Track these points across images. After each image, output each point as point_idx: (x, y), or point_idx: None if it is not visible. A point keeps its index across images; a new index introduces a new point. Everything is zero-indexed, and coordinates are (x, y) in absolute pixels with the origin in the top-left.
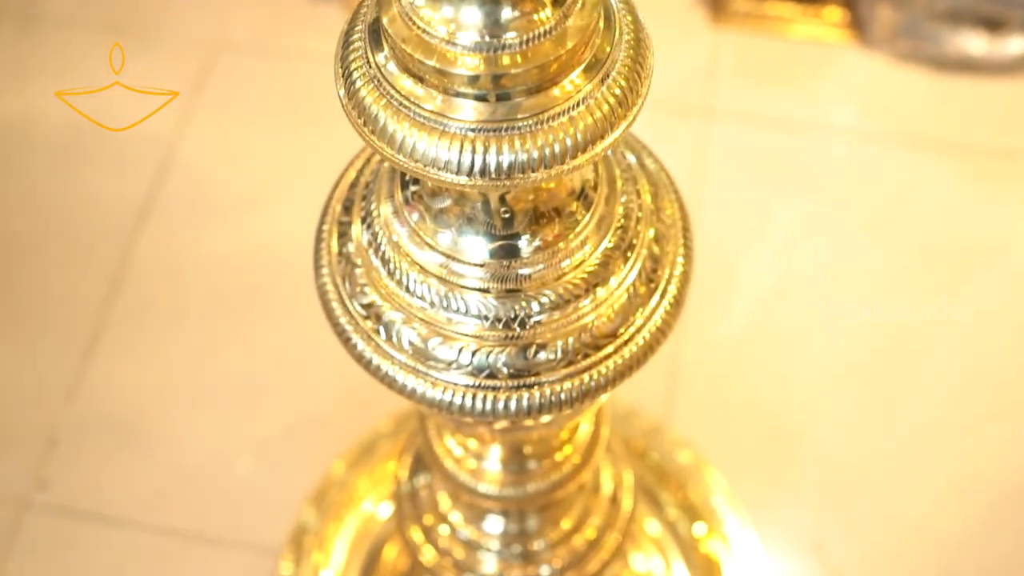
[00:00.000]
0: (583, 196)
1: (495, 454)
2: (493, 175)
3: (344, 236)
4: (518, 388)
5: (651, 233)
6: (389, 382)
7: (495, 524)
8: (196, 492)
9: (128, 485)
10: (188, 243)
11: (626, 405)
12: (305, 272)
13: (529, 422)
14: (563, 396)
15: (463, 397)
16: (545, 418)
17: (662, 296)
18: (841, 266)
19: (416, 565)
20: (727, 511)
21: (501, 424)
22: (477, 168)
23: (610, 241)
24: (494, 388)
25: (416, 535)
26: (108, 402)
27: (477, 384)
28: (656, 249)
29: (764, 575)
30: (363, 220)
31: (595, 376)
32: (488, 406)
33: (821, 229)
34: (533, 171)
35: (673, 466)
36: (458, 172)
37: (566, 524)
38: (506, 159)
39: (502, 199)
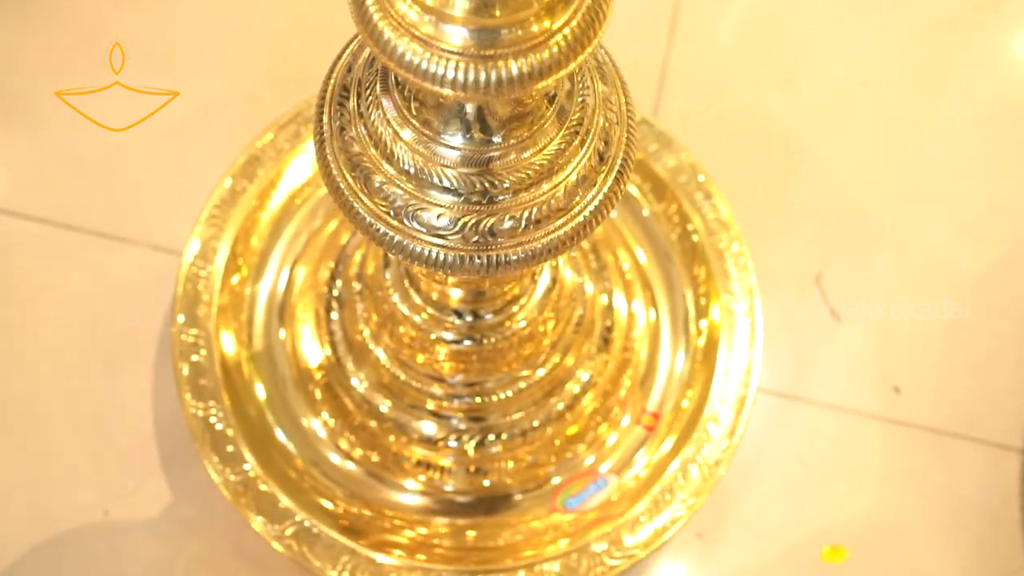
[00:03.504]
0: None
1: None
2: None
3: None
4: None
5: None
6: None
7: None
8: (93, 181)
9: (7, 169)
10: None
11: None
12: None
13: None
14: None
15: None
16: None
17: None
18: None
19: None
20: (719, 229)
21: None
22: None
23: None
24: None
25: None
26: None
27: None
28: None
29: (757, 305)
30: None
31: None
32: None
33: None
34: None
35: (661, 171)
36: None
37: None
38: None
39: None
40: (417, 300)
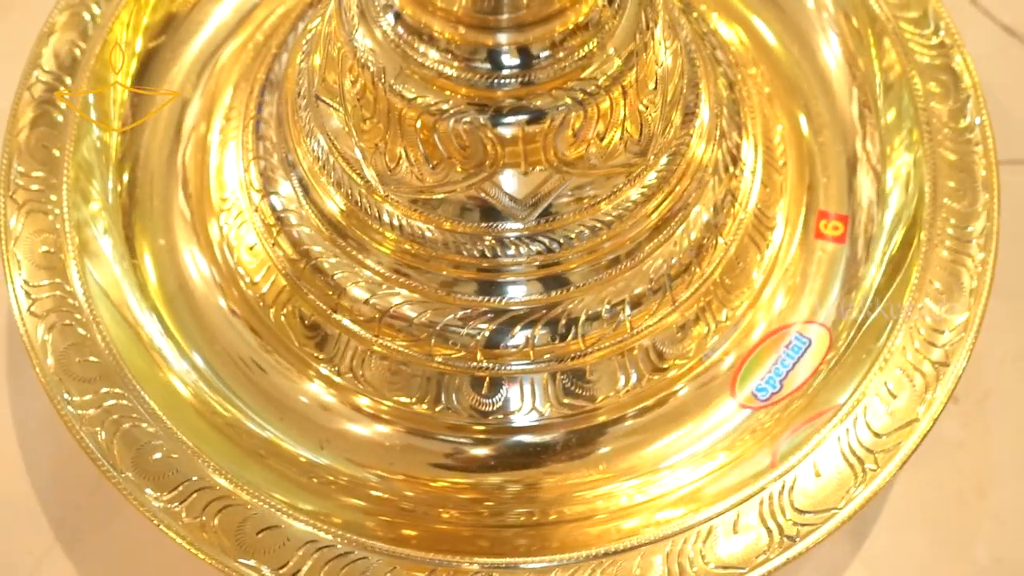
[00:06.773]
0: None
1: None
2: None
3: None
4: None
5: None
6: None
7: None
8: None
9: None
10: None
11: None
12: None
13: None
14: None
15: None
16: None
17: None
18: None
19: None
20: None
21: None
22: None
23: None
24: None
25: None
26: None
27: None
28: None
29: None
30: None
31: None
32: None
33: None
34: None
35: None
36: None
37: None
38: None
39: None
40: (421, 48)
